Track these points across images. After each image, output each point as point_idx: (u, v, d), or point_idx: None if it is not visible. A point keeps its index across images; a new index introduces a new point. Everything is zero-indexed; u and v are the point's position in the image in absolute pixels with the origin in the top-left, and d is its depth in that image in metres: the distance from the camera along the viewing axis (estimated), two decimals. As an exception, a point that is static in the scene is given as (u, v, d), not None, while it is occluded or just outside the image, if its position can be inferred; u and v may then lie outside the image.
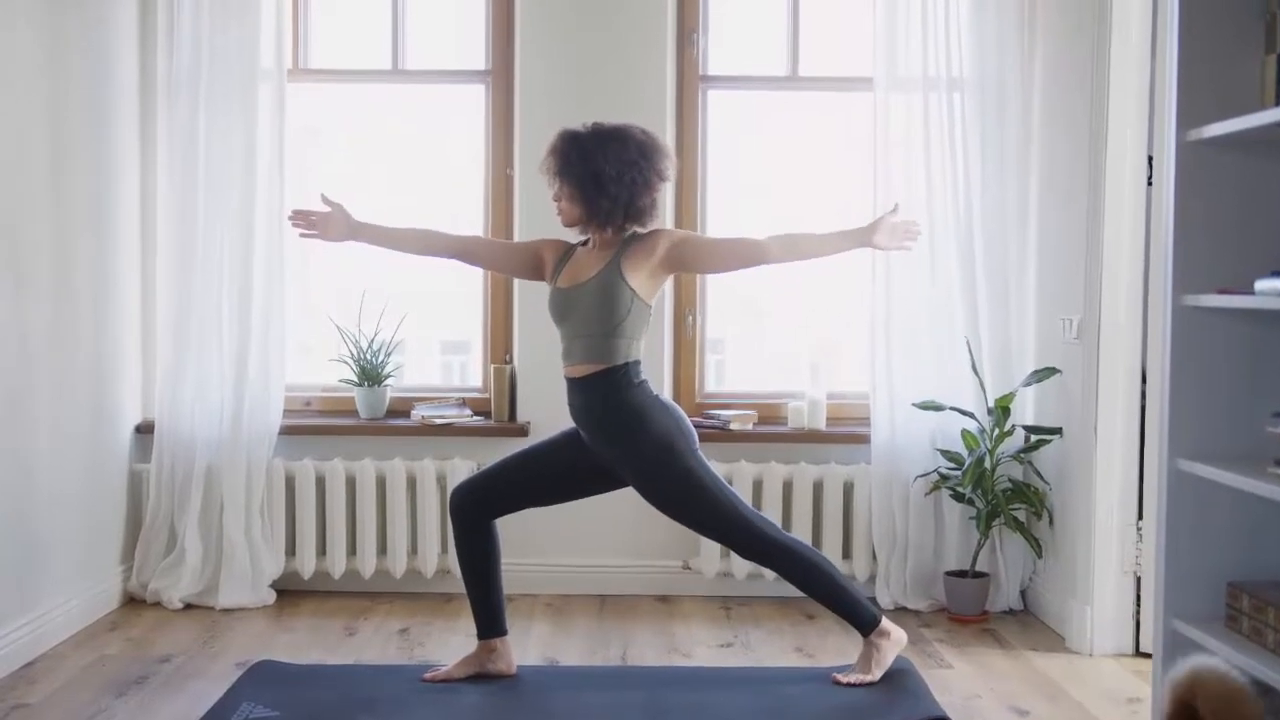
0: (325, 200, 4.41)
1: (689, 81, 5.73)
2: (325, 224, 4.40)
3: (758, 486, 5.57)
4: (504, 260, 4.52)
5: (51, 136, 4.82)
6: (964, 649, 4.94)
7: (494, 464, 4.45)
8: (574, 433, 4.35)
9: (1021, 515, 5.32)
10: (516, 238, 5.61)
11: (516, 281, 5.65)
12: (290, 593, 5.58)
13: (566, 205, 4.24)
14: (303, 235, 4.44)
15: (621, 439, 4.22)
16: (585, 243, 4.35)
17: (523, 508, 4.46)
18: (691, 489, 4.22)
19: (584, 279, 4.22)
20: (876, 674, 4.35)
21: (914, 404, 5.38)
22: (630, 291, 4.16)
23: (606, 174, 4.14)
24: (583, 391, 4.24)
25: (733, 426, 5.55)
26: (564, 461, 4.37)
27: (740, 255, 4.28)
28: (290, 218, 4.46)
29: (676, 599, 5.61)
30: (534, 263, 4.44)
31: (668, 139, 5.56)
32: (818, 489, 5.60)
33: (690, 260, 4.29)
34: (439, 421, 5.59)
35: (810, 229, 4.39)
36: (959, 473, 5.30)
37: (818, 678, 4.45)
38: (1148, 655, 4.51)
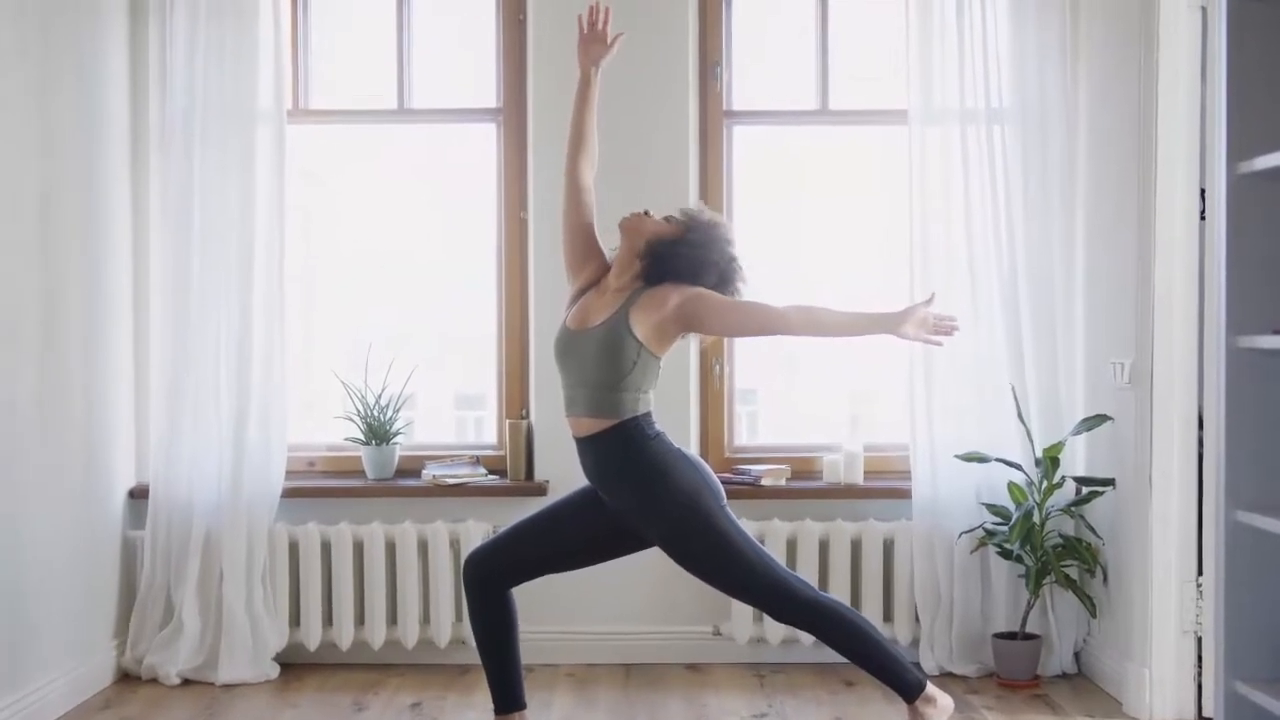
0: (615, 39, 4.50)
1: (712, 117, 5.80)
2: (591, 45, 4.48)
3: (792, 546, 5.58)
4: (574, 225, 4.51)
5: (39, 186, 4.91)
6: (1015, 716, 4.94)
7: (508, 529, 4.46)
8: (592, 491, 4.36)
9: (1073, 572, 5.33)
10: (531, 283, 5.70)
11: (532, 331, 5.72)
12: (295, 666, 5.60)
13: (646, 225, 4.33)
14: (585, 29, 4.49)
15: (642, 497, 4.22)
16: (599, 283, 4.41)
17: (542, 574, 4.46)
18: (720, 548, 4.22)
19: (591, 325, 4.26)
20: (923, 745, 4.36)
21: (957, 456, 5.40)
22: (636, 343, 4.18)
23: (688, 253, 4.26)
24: (594, 451, 4.26)
25: (764, 482, 5.58)
26: (584, 524, 4.37)
27: (756, 321, 4.31)
28: (591, 8, 4.50)
29: (707, 667, 5.62)
30: (584, 253, 4.49)
31: (689, 177, 5.64)
32: (856, 548, 5.61)
33: (703, 318, 4.26)
34: (451, 481, 5.62)
35: (834, 305, 4.36)
36: (1006, 528, 5.31)
37: (858, 750, 4.46)
38: (1211, 721, 4.52)
